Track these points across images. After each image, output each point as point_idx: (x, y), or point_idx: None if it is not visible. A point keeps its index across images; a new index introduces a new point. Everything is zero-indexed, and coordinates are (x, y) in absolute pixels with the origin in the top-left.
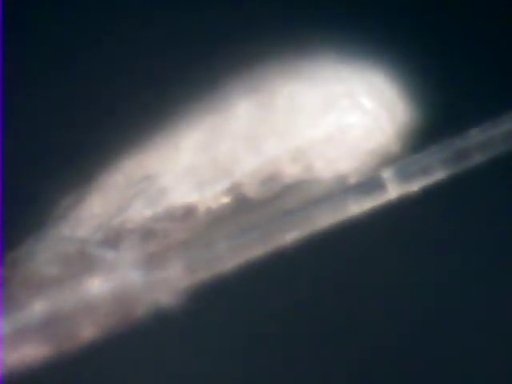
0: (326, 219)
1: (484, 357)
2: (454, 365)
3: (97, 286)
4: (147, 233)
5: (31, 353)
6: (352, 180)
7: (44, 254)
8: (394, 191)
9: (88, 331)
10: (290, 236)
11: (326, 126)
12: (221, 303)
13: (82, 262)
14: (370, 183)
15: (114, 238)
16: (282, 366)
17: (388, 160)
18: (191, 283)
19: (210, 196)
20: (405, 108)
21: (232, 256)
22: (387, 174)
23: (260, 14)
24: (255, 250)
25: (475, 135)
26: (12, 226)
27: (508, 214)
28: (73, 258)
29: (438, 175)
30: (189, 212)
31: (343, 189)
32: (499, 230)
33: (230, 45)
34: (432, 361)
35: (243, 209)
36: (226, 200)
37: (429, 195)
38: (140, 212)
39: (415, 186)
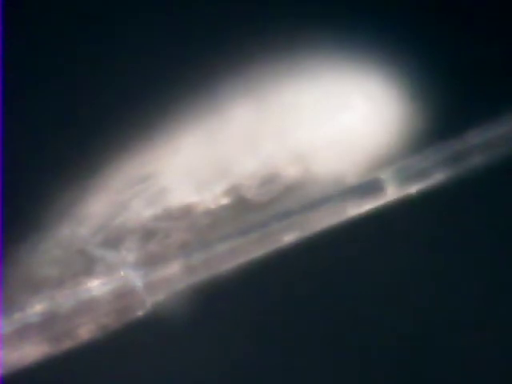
0: (324, 221)
1: (483, 357)
2: (454, 365)
3: (97, 286)
4: (147, 233)
5: (31, 353)
6: (351, 182)
7: (44, 254)
8: (392, 193)
9: (88, 331)
10: (289, 237)
11: (325, 128)
12: (221, 303)
13: (82, 262)
14: (368, 185)
15: (114, 238)
16: (282, 366)
17: (387, 162)
18: (191, 283)
19: (210, 197)
20: (404, 110)
21: (232, 256)
22: (386, 176)
23: (259, 14)
24: (254, 250)
25: (475, 137)
26: (12, 226)
27: (508, 216)
28: (73, 258)
29: (438, 177)
30: (188, 212)
31: (342, 191)
32: (499, 232)
33: (229, 45)
34: (431, 361)
35: (242, 210)
36: (225, 201)
37: (428, 197)
38: (140, 212)
39: (414, 188)
